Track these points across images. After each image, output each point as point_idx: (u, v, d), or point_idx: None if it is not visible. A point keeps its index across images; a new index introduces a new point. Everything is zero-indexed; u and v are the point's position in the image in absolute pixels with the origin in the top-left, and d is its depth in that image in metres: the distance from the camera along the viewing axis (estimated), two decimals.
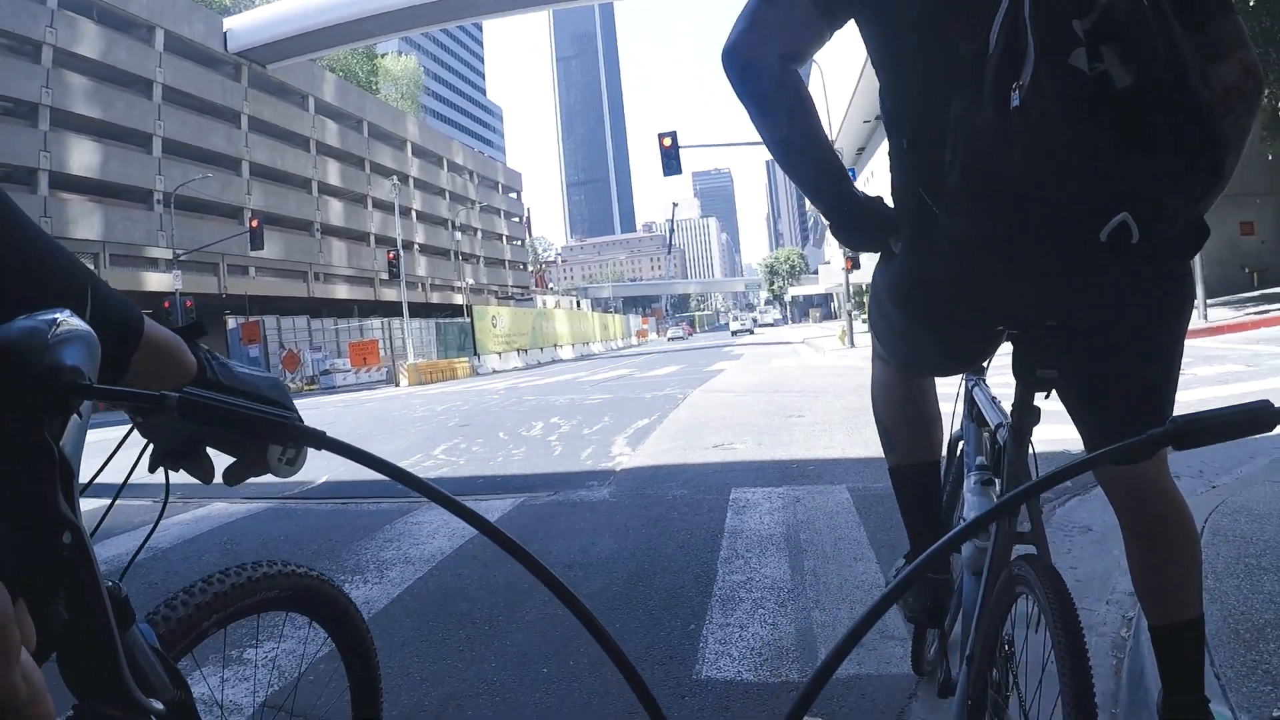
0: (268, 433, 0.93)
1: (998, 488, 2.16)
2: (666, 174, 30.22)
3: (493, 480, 8.59)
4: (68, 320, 0.92)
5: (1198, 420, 0.88)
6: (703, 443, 9.90)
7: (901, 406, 2.51)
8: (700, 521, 6.07)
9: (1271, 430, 0.86)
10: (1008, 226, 1.56)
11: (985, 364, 2.42)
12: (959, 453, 2.65)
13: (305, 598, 1.70)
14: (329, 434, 0.92)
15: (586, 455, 9.85)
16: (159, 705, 1.06)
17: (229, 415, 0.91)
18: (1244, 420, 0.87)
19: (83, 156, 46.74)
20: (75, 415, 0.92)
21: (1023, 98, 1.37)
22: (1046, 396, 1.93)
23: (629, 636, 3.99)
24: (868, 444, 8.22)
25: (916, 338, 2.15)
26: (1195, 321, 19.58)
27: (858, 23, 1.86)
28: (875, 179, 60.10)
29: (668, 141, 29.93)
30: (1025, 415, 1.94)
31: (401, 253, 48.13)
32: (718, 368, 26.40)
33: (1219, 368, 12.67)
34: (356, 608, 1.81)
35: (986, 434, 2.28)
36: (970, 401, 2.43)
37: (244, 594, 1.54)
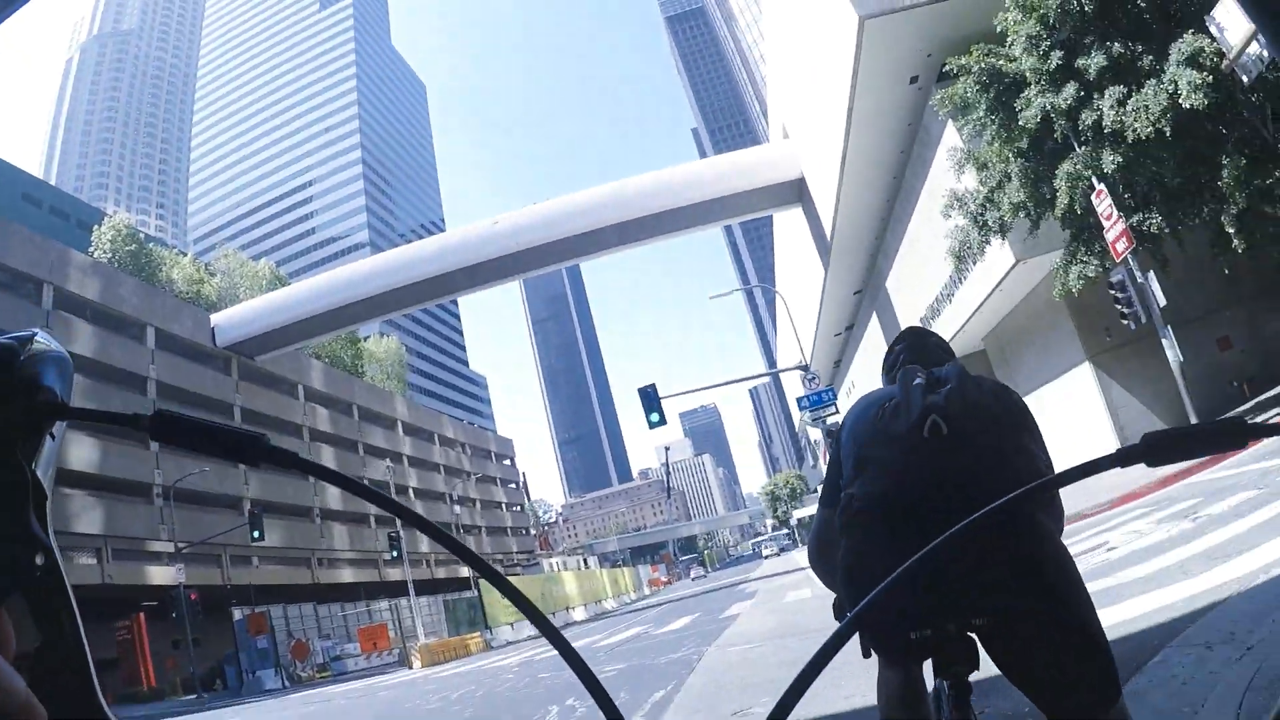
0: (239, 450, 0.93)
1: None
2: (651, 427, 30.70)
3: None
4: (40, 340, 0.94)
5: (1168, 436, 0.92)
6: (721, 712, 9.61)
7: (898, 707, 2.85)
8: None
9: (1243, 447, 0.94)
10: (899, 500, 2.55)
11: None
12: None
13: None
14: None
15: None
16: None
17: (201, 432, 0.93)
18: (1214, 436, 0.91)
19: (82, 452, 47.00)
20: (49, 436, 0.93)
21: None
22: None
23: None
24: None
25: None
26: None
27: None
28: (855, 387, 61.09)
29: (649, 394, 30.50)
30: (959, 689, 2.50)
31: (402, 532, 48.09)
32: (732, 613, 25.77)
33: (1235, 498, 12.15)
34: None
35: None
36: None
37: None
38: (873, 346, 48.83)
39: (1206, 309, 27.96)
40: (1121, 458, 0.92)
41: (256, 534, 40.75)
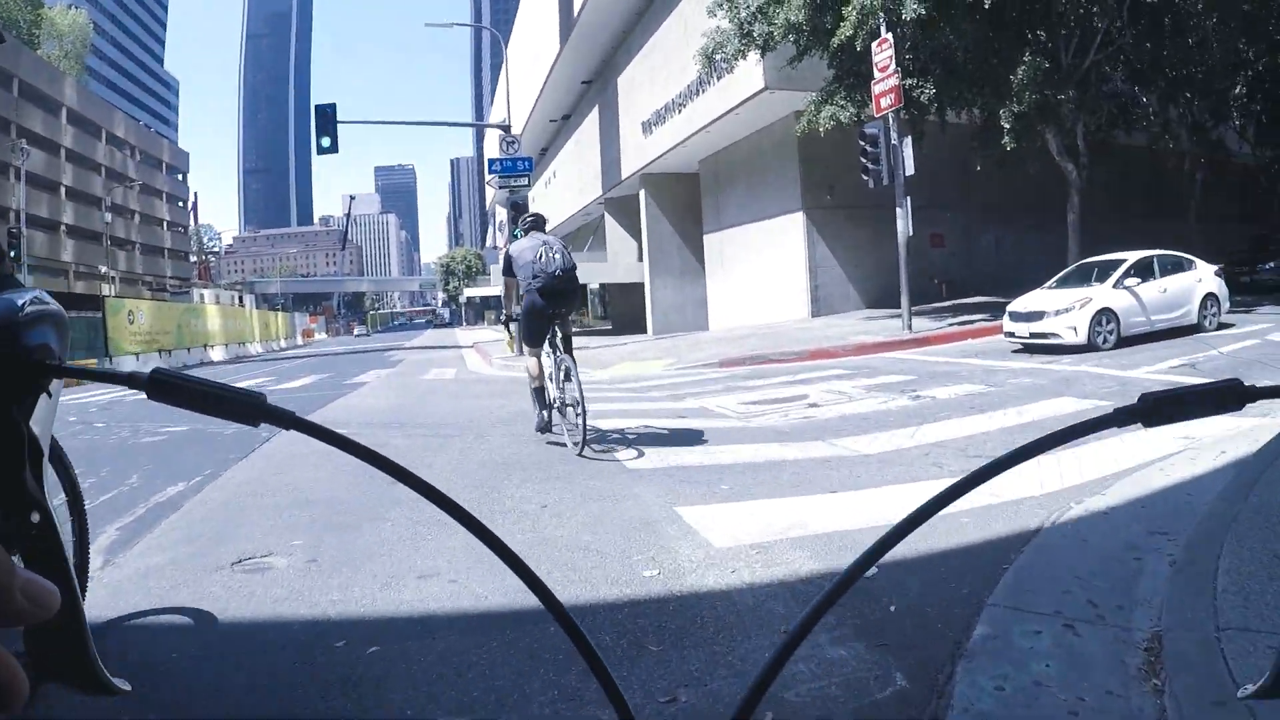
0: (239, 412, 0.89)
1: (555, 358, 9.44)
2: (320, 152, 28.41)
3: None
4: (38, 299, 0.94)
5: (1167, 397, 0.88)
6: (224, 551, 5.74)
7: (539, 371, 9.73)
8: None
9: (1240, 409, 0.87)
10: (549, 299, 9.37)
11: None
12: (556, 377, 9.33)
13: None
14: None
15: None
16: (126, 686, 1.03)
17: (199, 394, 0.88)
18: (1213, 397, 0.87)
19: None
20: (45, 394, 0.91)
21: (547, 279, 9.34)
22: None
23: None
24: (500, 531, 5.35)
25: (532, 332, 9.63)
26: (899, 333, 20.28)
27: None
28: (556, 178, 59.63)
29: (325, 114, 28.26)
30: (558, 337, 9.50)
31: (25, 231, 42.81)
32: (362, 380, 22.96)
33: (959, 388, 12.15)
34: None
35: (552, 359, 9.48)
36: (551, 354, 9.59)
37: None
38: (588, 140, 47.15)
39: (931, 200, 27.55)
40: (1119, 418, 0.88)
41: None
